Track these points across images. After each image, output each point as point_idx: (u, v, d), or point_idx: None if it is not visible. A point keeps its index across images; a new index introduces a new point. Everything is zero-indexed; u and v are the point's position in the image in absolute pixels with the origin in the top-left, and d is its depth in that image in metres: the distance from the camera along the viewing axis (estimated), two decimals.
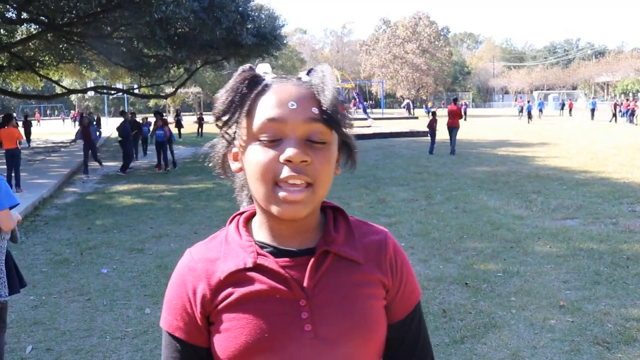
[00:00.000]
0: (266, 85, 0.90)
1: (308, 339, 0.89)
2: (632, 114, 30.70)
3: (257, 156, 0.87)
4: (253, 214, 0.99)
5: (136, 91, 26.41)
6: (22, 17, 15.00)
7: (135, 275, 5.48)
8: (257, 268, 0.91)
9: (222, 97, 0.90)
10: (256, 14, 17.22)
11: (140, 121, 19.04)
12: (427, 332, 1.04)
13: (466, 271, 5.32)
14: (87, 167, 13.84)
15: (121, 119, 15.90)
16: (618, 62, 64.23)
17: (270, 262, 0.90)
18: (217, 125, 0.93)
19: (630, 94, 60.55)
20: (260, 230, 0.95)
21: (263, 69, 0.94)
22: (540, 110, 43.31)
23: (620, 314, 4.19)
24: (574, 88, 73.72)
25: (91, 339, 4.04)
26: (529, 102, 38.76)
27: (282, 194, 0.85)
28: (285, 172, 0.84)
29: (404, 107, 52.58)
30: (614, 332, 3.89)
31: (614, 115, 32.71)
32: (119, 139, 14.94)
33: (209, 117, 49.69)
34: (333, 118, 0.86)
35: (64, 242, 6.90)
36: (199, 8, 13.89)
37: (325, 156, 0.87)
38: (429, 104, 49.94)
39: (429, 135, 16.87)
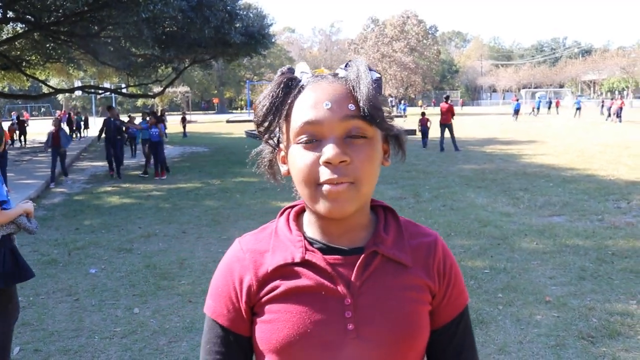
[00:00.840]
0: (302, 87, 0.89)
1: (350, 338, 0.89)
2: (618, 113, 30.94)
3: (298, 159, 0.87)
4: (303, 208, 0.99)
5: (124, 91, 26.26)
6: (8, 16, 14.86)
7: (124, 275, 5.47)
8: (305, 263, 0.91)
9: (260, 104, 0.89)
10: (244, 12, 17.22)
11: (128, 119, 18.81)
12: (473, 337, 1.02)
13: None
14: (54, 175, 12.03)
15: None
16: (604, 60, 64.82)
17: (318, 258, 0.91)
18: (258, 131, 0.92)
19: (617, 92, 61.15)
20: (310, 227, 0.96)
21: (301, 68, 0.93)
22: (538, 109, 43.62)
23: (605, 309, 4.26)
24: (561, 86, 74.39)
25: (79, 339, 4.03)
26: (517, 100, 39.06)
27: (325, 187, 0.84)
28: (325, 174, 0.84)
29: (400, 107, 52.28)
30: (598, 327, 3.94)
31: (611, 113, 32.99)
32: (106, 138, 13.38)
33: (197, 117, 49.37)
34: (370, 114, 0.84)
35: (52, 242, 6.86)
36: (187, 7, 13.85)
37: (366, 152, 0.86)
38: (419, 103, 49.97)
39: (421, 132, 18.13)
